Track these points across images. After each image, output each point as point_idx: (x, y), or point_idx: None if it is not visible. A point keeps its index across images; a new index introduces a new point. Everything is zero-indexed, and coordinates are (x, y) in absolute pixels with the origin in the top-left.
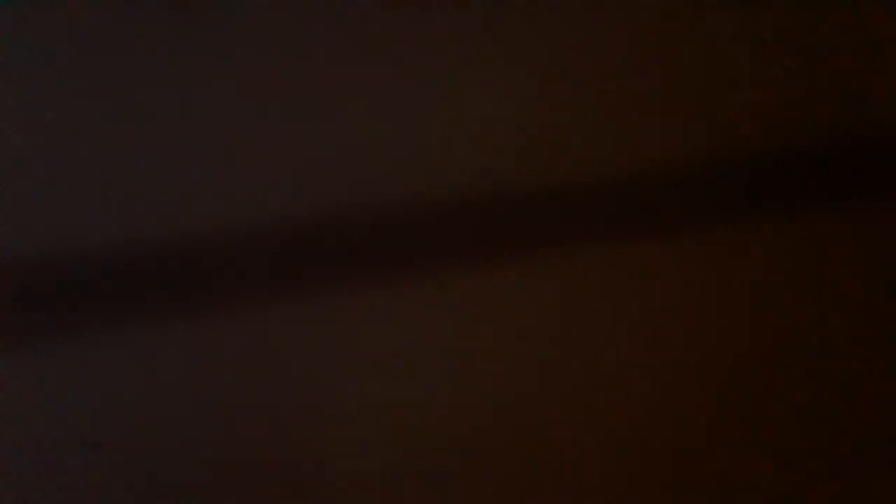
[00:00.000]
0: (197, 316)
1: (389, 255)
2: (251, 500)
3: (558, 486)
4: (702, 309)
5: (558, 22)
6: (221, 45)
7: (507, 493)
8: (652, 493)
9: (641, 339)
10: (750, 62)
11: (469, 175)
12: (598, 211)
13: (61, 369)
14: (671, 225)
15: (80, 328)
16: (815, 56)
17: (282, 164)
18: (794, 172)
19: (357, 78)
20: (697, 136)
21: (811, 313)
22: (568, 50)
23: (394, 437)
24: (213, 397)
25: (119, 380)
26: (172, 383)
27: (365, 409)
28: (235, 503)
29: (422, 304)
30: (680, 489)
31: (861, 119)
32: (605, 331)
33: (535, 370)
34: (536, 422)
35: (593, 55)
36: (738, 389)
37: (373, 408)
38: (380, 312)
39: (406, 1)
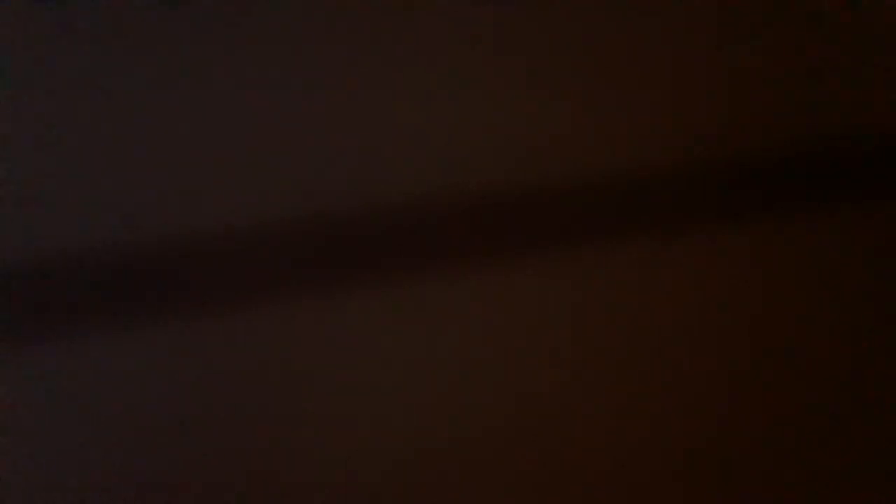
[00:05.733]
0: (195, 316)
1: (390, 255)
2: (250, 501)
3: (562, 486)
4: (704, 309)
5: (559, 22)
6: (220, 46)
7: (510, 493)
8: (658, 492)
9: (644, 339)
10: (750, 62)
11: (470, 175)
12: (599, 211)
13: (59, 370)
14: (673, 225)
15: (79, 329)
16: (815, 56)
17: (281, 165)
18: (794, 172)
19: (357, 78)
20: (697, 136)
21: (813, 312)
22: (568, 50)
23: (395, 437)
24: (211, 398)
25: (117, 381)
26: (170, 384)
27: (365, 410)
28: None
29: (422, 305)
30: (685, 489)
31: (861, 119)
32: (607, 331)
33: (537, 371)
34: (539, 422)
35: (593, 55)
36: (742, 389)
37: (374, 408)
38: (381, 313)
39: (406, 2)
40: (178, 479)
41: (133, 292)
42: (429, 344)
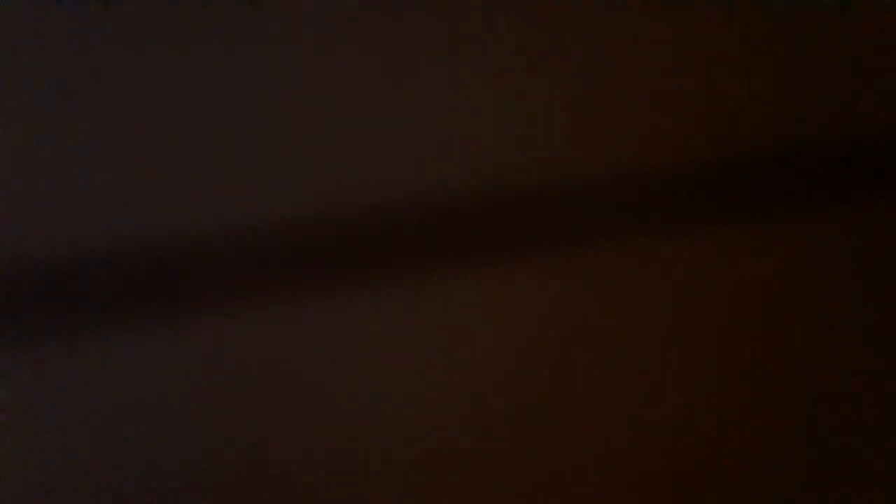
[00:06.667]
0: (196, 316)
1: (391, 255)
2: (250, 500)
3: (563, 486)
4: (704, 308)
5: (559, 22)
6: (220, 46)
7: (511, 493)
8: (659, 493)
9: (644, 339)
10: (750, 62)
11: (470, 175)
12: (599, 211)
13: (59, 370)
14: (673, 225)
15: (78, 329)
16: (815, 56)
17: (282, 165)
18: (793, 172)
19: (358, 78)
20: (698, 136)
21: (813, 312)
22: (568, 50)
23: (396, 437)
24: (213, 397)
25: (117, 381)
26: (171, 384)
27: (366, 410)
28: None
29: (423, 305)
30: (687, 488)
31: (861, 119)
32: (607, 331)
33: (537, 370)
34: (540, 422)
35: (593, 55)
36: (743, 389)
37: (374, 408)
38: (381, 312)
39: (406, 2)
40: (179, 479)
41: (134, 292)
42: (429, 344)
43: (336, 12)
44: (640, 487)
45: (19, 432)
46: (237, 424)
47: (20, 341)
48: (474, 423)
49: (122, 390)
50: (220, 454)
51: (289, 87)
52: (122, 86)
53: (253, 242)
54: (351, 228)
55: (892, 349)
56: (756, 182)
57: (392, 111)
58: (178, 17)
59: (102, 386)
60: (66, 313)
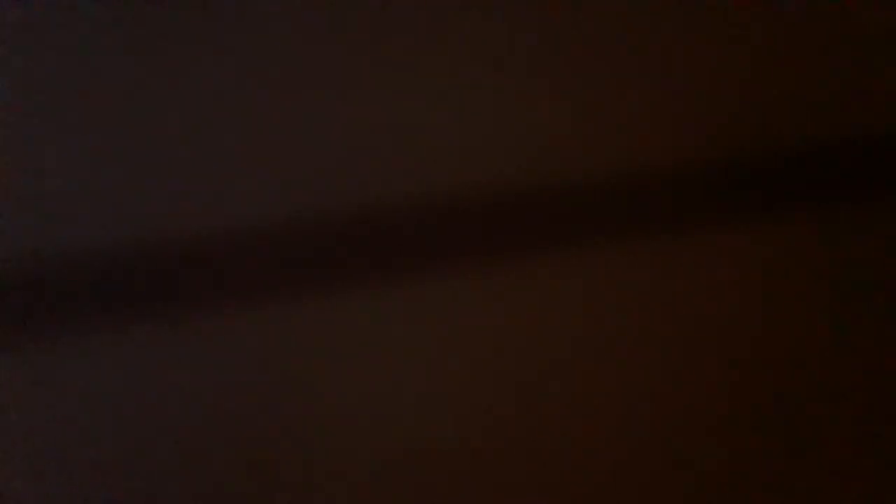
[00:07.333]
0: (195, 317)
1: (390, 255)
2: (249, 500)
3: (565, 487)
4: (704, 309)
5: (559, 22)
6: (220, 44)
7: (512, 494)
8: (661, 493)
9: (644, 339)
10: (750, 62)
11: (470, 175)
12: (600, 211)
13: (60, 370)
14: (673, 225)
15: (78, 329)
16: (815, 56)
17: (281, 164)
18: (794, 172)
19: (357, 78)
20: (699, 136)
21: (813, 312)
22: (568, 50)
23: (396, 437)
24: (212, 398)
25: (116, 382)
26: (169, 384)
27: (366, 410)
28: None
29: (423, 305)
30: (688, 489)
31: (861, 119)
32: (607, 331)
33: (538, 371)
34: (540, 423)
35: (593, 55)
36: (743, 388)
37: (374, 408)
38: (381, 313)
39: (406, 2)
40: (177, 479)
41: (133, 293)
42: (429, 344)
43: (334, 12)
44: (641, 487)
45: (19, 432)
46: (236, 424)
47: (20, 341)
48: (474, 423)
49: (121, 390)
50: (219, 454)
51: (288, 87)
52: (121, 86)
53: (252, 242)
54: (350, 228)
55: (893, 348)
56: (756, 182)
57: (391, 111)
58: (177, 18)
59: (102, 386)
60: (67, 313)
